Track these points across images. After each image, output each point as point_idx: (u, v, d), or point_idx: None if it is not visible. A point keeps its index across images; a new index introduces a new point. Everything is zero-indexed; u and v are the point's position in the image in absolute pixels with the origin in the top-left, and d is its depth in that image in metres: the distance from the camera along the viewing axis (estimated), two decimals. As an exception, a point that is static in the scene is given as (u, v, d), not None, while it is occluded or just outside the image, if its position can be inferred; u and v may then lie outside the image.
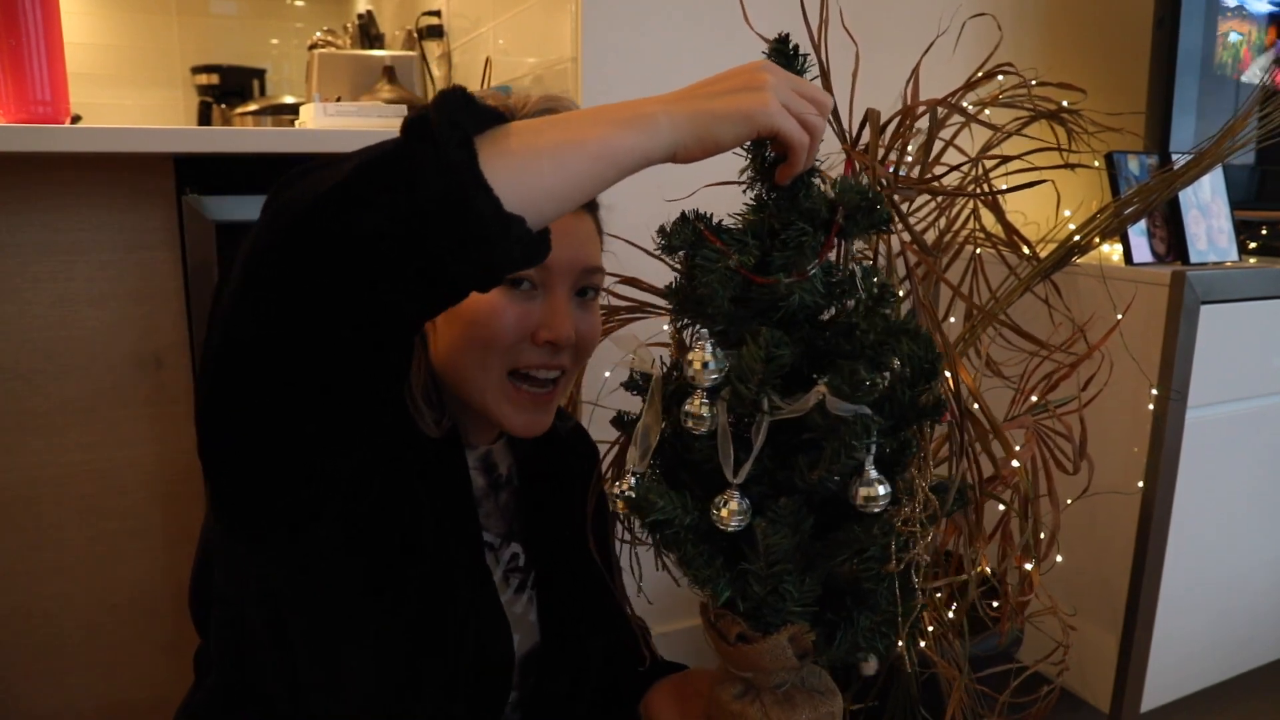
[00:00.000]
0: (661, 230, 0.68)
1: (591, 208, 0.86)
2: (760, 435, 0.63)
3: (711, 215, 0.68)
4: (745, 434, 0.65)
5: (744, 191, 0.70)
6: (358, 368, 0.56)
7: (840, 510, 0.66)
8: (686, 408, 0.65)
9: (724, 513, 0.64)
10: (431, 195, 0.50)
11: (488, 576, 0.84)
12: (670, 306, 0.72)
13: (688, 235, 0.66)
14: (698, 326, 0.70)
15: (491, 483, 0.89)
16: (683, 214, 0.67)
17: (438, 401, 0.82)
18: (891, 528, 0.64)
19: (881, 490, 0.63)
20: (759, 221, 0.67)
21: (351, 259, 0.51)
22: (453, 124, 0.52)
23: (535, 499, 0.91)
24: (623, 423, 0.77)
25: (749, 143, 0.67)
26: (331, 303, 0.52)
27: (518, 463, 0.91)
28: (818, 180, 0.68)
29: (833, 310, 0.68)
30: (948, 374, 0.82)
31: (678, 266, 0.70)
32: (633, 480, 0.68)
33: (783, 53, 0.68)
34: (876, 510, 0.64)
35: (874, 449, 0.63)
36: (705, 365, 0.64)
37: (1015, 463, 0.94)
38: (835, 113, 1.05)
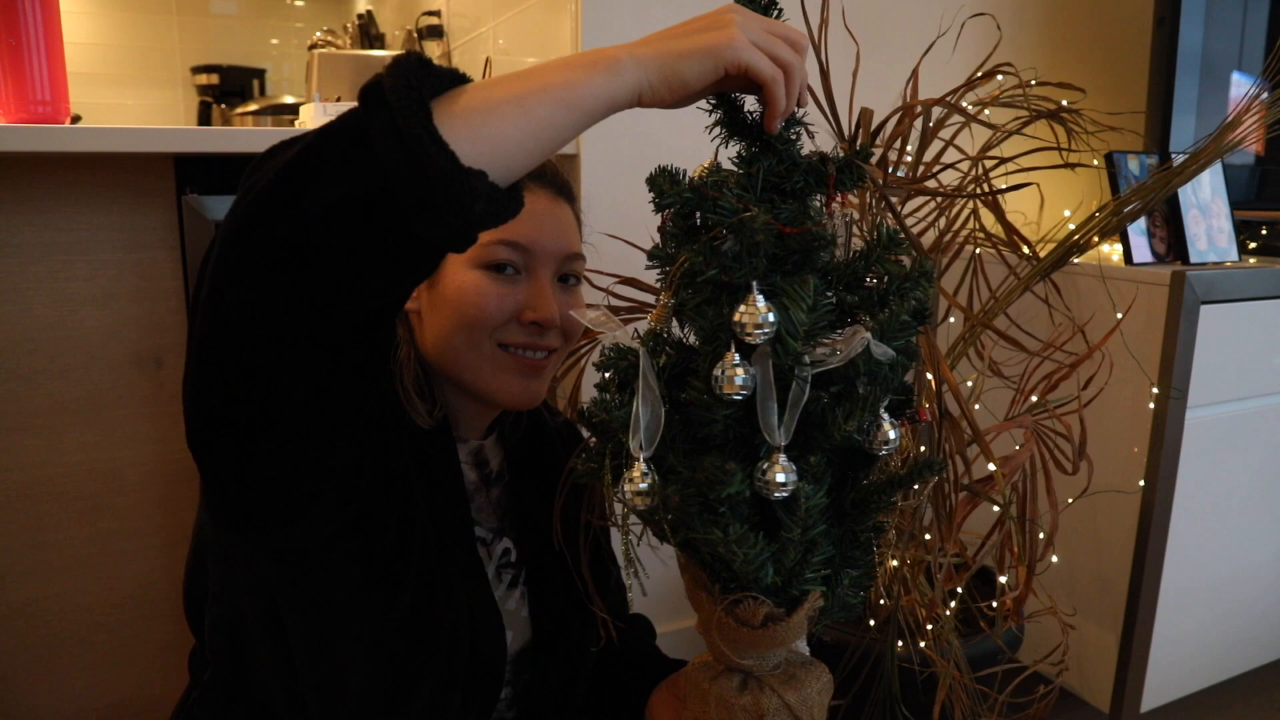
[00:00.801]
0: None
1: (570, 198, 0.87)
2: (805, 391, 0.59)
3: (684, 171, 0.65)
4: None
5: (720, 148, 0.67)
6: (338, 347, 0.55)
7: (848, 463, 0.66)
8: (722, 373, 0.59)
9: (771, 480, 0.60)
10: (387, 156, 0.50)
11: (481, 571, 0.84)
12: (663, 271, 0.67)
13: (683, 191, 0.63)
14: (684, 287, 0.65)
15: (483, 477, 0.89)
16: (660, 168, 0.64)
17: (429, 392, 0.83)
18: (931, 466, 0.64)
19: (894, 434, 0.63)
20: (744, 176, 0.64)
21: (315, 231, 0.51)
22: (407, 85, 0.51)
23: (526, 494, 0.91)
24: (609, 411, 0.66)
25: (714, 98, 0.65)
26: (302, 279, 0.52)
27: (508, 458, 0.91)
28: (801, 131, 0.66)
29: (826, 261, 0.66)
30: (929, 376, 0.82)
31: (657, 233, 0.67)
32: (644, 469, 0.62)
33: (752, 2, 0.66)
34: (886, 453, 0.64)
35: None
36: (760, 322, 0.59)
37: (992, 466, 0.94)
38: (834, 111, 1.05)
